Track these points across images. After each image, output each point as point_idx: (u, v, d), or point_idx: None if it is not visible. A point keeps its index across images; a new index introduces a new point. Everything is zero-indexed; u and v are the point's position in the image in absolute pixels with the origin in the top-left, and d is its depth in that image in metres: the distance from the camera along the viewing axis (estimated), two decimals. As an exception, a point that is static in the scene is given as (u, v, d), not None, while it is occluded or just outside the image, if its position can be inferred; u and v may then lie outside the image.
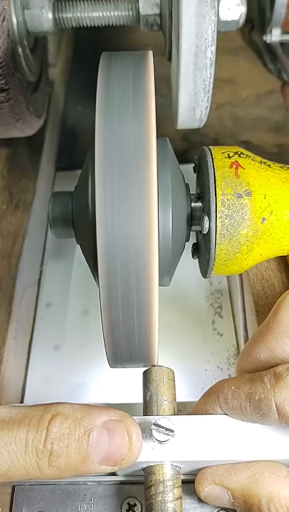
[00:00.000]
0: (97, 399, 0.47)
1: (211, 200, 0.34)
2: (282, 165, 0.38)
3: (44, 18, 0.44)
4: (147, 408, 0.33)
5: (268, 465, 0.31)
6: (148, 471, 0.31)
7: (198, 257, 0.40)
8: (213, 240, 0.34)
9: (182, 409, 0.38)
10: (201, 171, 0.37)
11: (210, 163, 0.35)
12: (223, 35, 0.41)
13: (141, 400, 0.34)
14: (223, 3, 0.39)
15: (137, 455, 0.30)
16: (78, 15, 0.45)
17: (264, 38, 0.60)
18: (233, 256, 0.35)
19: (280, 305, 0.32)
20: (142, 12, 0.43)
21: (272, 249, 0.37)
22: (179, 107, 0.42)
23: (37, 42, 0.51)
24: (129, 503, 0.35)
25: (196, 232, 0.38)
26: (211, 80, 0.40)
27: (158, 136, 0.29)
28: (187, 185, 0.36)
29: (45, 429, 0.28)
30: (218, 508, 0.34)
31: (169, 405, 0.33)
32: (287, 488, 0.30)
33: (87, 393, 0.48)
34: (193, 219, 0.36)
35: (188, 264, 0.41)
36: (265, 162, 0.37)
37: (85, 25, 0.46)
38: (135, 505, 0.35)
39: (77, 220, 0.34)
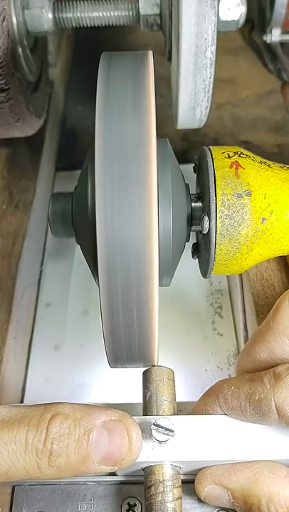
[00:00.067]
0: (97, 399, 0.47)
1: (211, 200, 0.34)
2: (282, 165, 0.38)
3: (44, 18, 0.44)
4: (147, 408, 0.33)
5: (268, 465, 0.31)
6: (148, 471, 0.31)
7: (198, 257, 0.40)
8: (213, 240, 0.34)
9: (182, 409, 0.38)
10: (201, 171, 0.37)
11: (210, 163, 0.35)
12: (223, 35, 0.41)
13: (141, 400, 0.34)
14: (223, 3, 0.39)
15: (137, 455, 0.30)
16: (78, 15, 0.45)
17: (264, 38, 0.60)
18: (233, 256, 0.35)
19: (279, 305, 0.32)
20: (142, 12, 0.43)
21: (272, 249, 0.37)
22: (179, 107, 0.42)
23: (37, 42, 0.51)
24: (129, 503, 0.35)
25: (196, 232, 0.38)
26: (211, 80, 0.40)
27: (158, 136, 0.29)
28: (187, 185, 0.36)
29: (45, 428, 0.28)
30: (218, 508, 0.34)
31: (169, 405, 0.33)
32: (287, 488, 0.30)
33: (87, 393, 0.48)
34: (193, 219, 0.36)
35: (188, 264, 0.41)
36: (265, 162, 0.37)
37: (85, 25, 0.46)
38: (135, 505, 0.35)
39: (77, 220, 0.34)
